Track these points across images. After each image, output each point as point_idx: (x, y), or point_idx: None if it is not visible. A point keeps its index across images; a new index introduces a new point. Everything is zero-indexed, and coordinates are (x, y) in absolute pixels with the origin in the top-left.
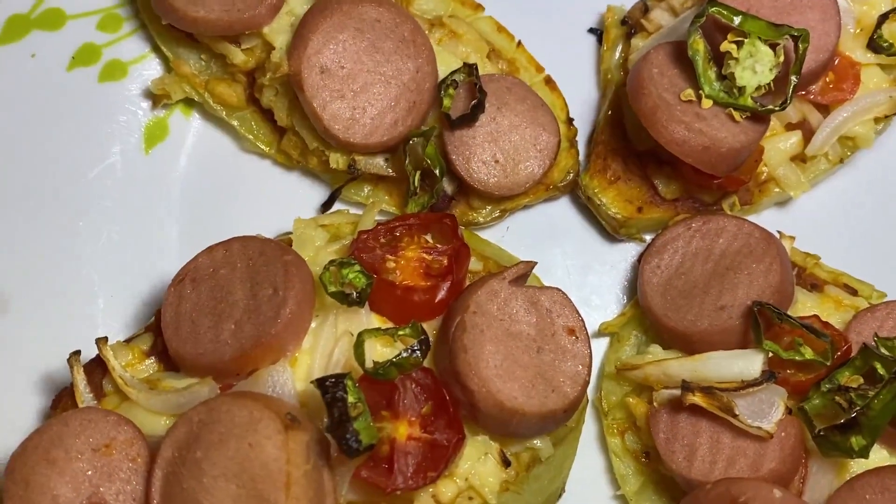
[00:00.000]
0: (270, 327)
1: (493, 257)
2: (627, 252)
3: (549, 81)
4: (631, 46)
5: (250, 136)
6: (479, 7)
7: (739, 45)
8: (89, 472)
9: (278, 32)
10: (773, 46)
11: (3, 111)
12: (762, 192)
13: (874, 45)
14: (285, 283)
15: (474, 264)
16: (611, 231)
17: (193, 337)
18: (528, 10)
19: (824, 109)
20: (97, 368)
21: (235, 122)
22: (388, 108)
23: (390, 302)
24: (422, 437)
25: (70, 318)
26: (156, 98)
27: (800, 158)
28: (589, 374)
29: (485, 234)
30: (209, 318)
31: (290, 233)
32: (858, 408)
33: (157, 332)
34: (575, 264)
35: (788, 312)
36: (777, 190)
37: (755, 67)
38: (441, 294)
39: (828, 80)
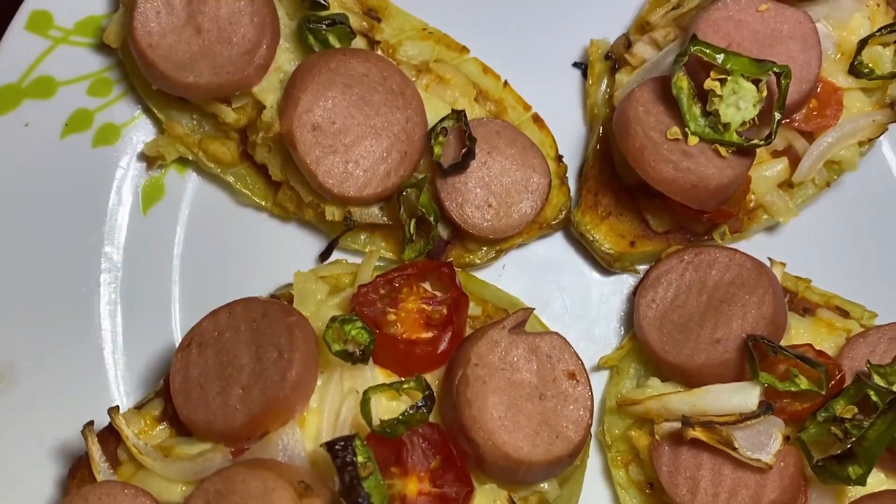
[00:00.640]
0: (278, 391)
1: (491, 300)
2: (623, 283)
3: (536, 119)
4: (616, 82)
5: (246, 192)
6: (465, 49)
7: (723, 82)
8: None
9: (268, 91)
10: (756, 82)
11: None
12: (751, 220)
13: (855, 70)
14: (290, 346)
15: (473, 309)
16: (605, 265)
17: (203, 403)
18: (513, 48)
19: (809, 135)
20: (111, 437)
21: (231, 178)
22: (381, 159)
23: (393, 355)
24: (431, 491)
25: (81, 384)
26: (150, 159)
27: (787, 184)
28: (591, 417)
29: (482, 274)
30: (217, 383)
31: (291, 284)
32: (854, 438)
33: (167, 397)
34: (572, 298)
35: (782, 340)
36: (766, 217)
37: (739, 104)
38: (443, 345)
39: (811, 106)
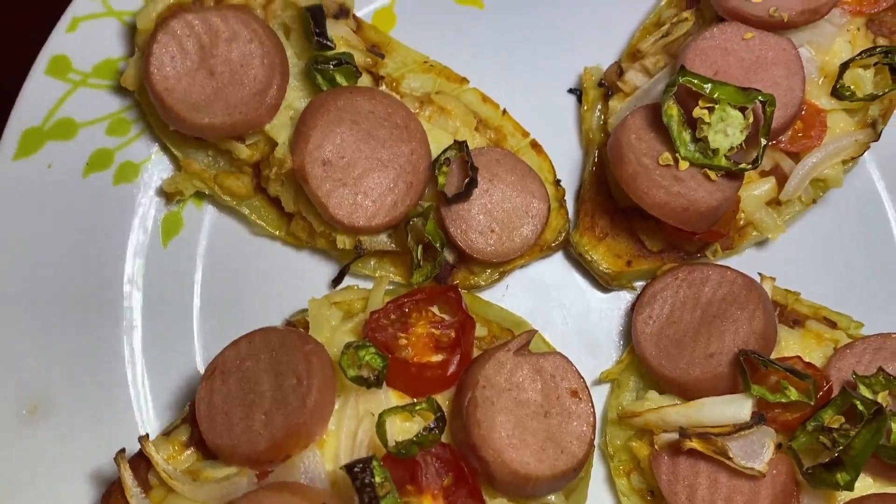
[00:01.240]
0: (298, 417)
1: (496, 320)
2: (621, 299)
3: (535, 145)
4: (609, 108)
5: (261, 222)
6: (465, 80)
7: (711, 110)
8: None
9: (279, 129)
10: (743, 109)
11: (27, 222)
12: (742, 237)
13: (837, 93)
14: (308, 373)
15: (479, 330)
16: (603, 283)
17: (228, 429)
18: (510, 77)
19: (795, 155)
20: (142, 462)
21: (246, 210)
22: (388, 189)
23: (405, 378)
24: None
25: (111, 412)
26: (169, 195)
27: (775, 202)
28: (594, 432)
29: (487, 295)
30: (240, 409)
31: (306, 310)
32: (841, 447)
33: (193, 422)
34: (573, 315)
35: (773, 352)
36: (755, 233)
37: (727, 131)
38: (452, 368)
39: (797, 128)
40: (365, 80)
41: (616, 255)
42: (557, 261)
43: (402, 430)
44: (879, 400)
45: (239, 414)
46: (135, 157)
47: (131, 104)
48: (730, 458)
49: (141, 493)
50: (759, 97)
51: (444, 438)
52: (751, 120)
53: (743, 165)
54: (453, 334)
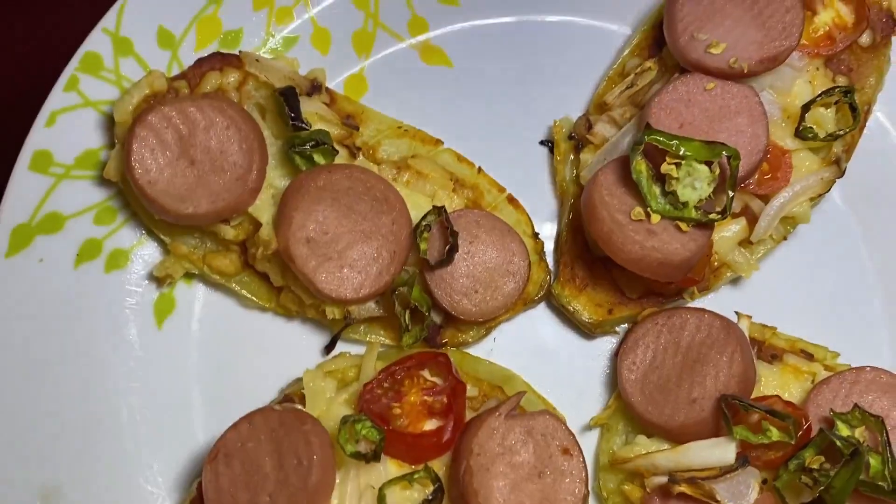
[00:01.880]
0: (301, 498)
1: (486, 378)
2: (607, 343)
3: (511, 200)
4: (581, 161)
5: (251, 297)
6: (439, 141)
7: (678, 165)
8: None
9: (262, 209)
10: (710, 163)
11: (21, 318)
12: (717, 278)
13: (801, 134)
14: (308, 453)
15: (470, 390)
16: (587, 332)
17: None
18: (483, 132)
19: (764, 196)
20: None
21: (235, 286)
22: (372, 260)
23: (402, 447)
24: None
25: (120, 496)
26: (160, 279)
27: (747, 241)
28: (586, 486)
29: (475, 350)
30: (246, 492)
31: (300, 379)
32: (822, 486)
33: (201, 502)
34: (560, 363)
35: (753, 391)
36: (730, 273)
37: (694, 184)
38: (446, 435)
39: (763, 170)
40: (342, 154)
41: (597, 305)
42: (542, 311)
43: (403, 498)
44: (857, 435)
45: (245, 497)
46: (123, 244)
47: (115, 193)
48: (717, 501)
49: None
50: (725, 151)
51: None
52: (717, 173)
53: (713, 216)
54: (445, 400)
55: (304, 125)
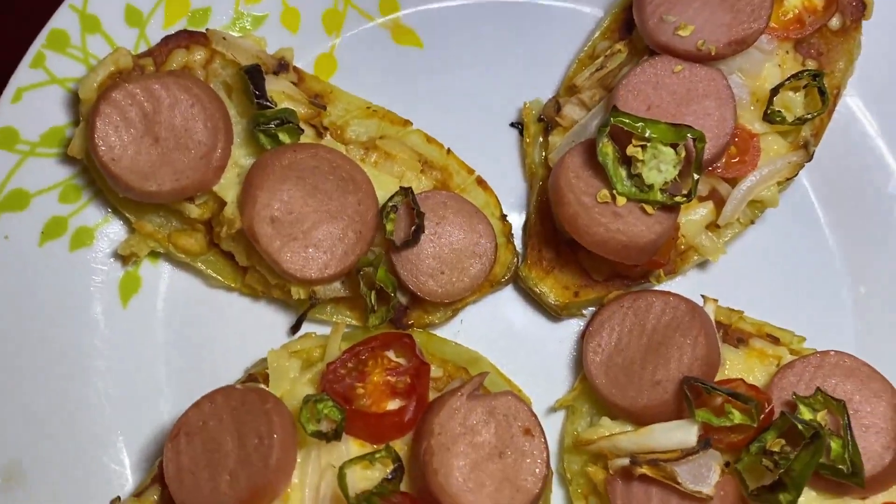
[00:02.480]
0: (262, 476)
1: (452, 359)
2: (573, 326)
3: (480, 181)
4: (549, 144)
5: (217, 276)
6: (408, 122)
7: (644, 147)
8: None
9: (227, 188)
10: (675, 145)
11: None
12: (683, 261)
13: (769, 118)
14: (269, 432)
15: (435, 371)
16: (553, 314)
17: (196, 490)
18: (453, 114)
19: (732, 179)
20: None
21: (201, 265)
22: (338, 240)
23: (364, 427)
24: None
25: (83, 475)
26: (124, 258)
27: (714, 225)
28: (547, 467)
29: (441, 332)
30: (206, 470)
31: (265, 359)
32: (783, 469)
33: (162, 482)
34: (526, 345)
35: (718, 374)
36: (697, 256)
37: (660, 167)
38: (408, 415)
39: (731, 153)
40: (309, 133)
41: (564, 287)
42: (508, 293)
43: (364, 477)
44: (819, 419)
45: (205, 475)
46: (89, 222)
47: (80, 170)
48: (678, 483)
49: None
50: (690, 134)
51: (404, 486)
52: (682, 155)
53: (678, 199)
54: (409, 380)
55: (268, 103)
